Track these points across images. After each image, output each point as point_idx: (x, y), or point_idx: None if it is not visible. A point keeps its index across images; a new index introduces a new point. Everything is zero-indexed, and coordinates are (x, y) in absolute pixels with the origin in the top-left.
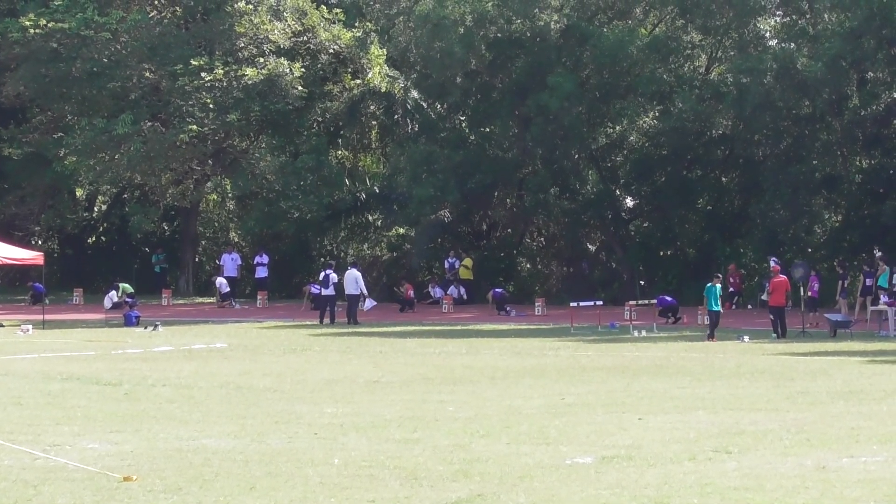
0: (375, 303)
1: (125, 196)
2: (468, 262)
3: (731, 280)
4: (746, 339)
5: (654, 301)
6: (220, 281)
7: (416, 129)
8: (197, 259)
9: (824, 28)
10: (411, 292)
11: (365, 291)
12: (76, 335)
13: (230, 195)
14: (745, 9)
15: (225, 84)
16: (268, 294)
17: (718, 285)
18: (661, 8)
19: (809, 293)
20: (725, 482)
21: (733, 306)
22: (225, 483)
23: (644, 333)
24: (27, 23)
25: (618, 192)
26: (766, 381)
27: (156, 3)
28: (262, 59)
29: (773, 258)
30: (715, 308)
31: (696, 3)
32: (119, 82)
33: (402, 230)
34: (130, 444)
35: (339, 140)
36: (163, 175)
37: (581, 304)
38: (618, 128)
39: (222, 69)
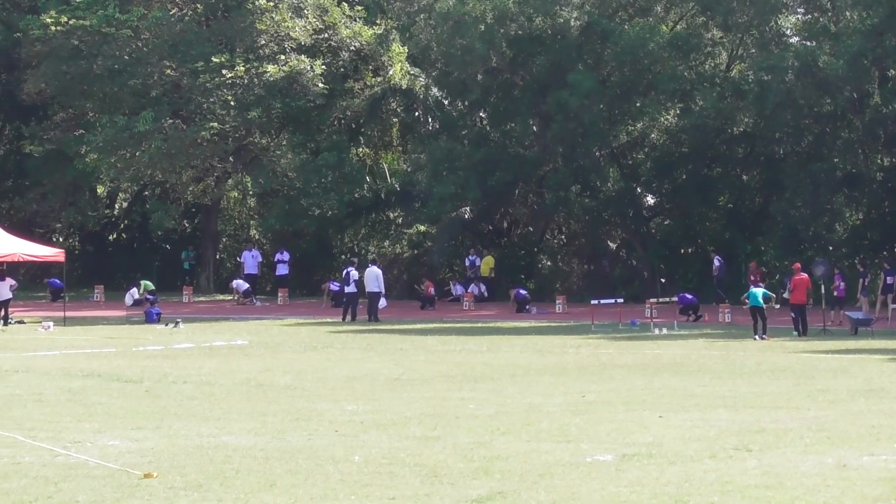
0: (386, 303)
1: (146, 193)
2: (489, 259)
3: (752, 278)
4: (765, 336)
5: (675, 299)
6: (237, 282)
7: (437, 126)
8: (218, 256)
9: (846, 25)
10: (432, 290)
11: (383, 289)
12: (97, 332)
13: (251, 192)
14: (766, 6)
15: (246, 81)
16: (288, 291)
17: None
18: (682, 5)
19: (835, 292)
20: (746, 480)
21: None
22: (245, 480)
23: (665, 331)
24: (48, 20)
25: (638, 189)
26: (787, 379)
27: (177, 0)
28: (283, 57)
29: (717, 256)
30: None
31: (717, 0)
32: (140, 79)
33: (422, 228)
34: (151, 441)
35: (360, 137)
36: (184, 172)
37: (602, 301)
38: (639, 125)
39: (243, 66)
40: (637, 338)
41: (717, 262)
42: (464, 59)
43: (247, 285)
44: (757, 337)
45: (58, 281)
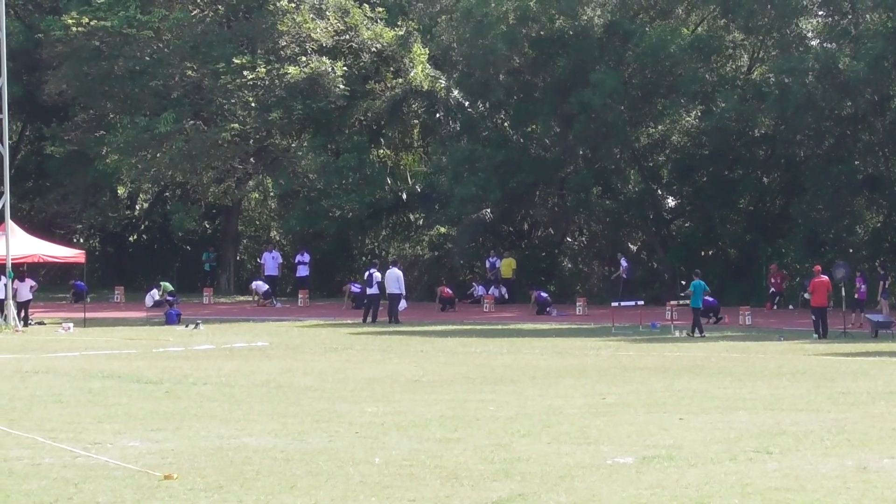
0: (406, 305)
1: (167, 194)
2: (510, 261)
3: (773, 280)
4: (781, 338)
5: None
6: (257, 284)
7: (458, 127)
8: (238, 258)
9: (866, 28)
10: (448, 290)
11: (404, 291)
12: (117, 333)
13: (272, 194)
14: (786, 9)
15: (267, 82)
16: (309, 293)
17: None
18: (703, 7)
19: (856, 295)
20: (766, 482)
21: (774, 306)
22: (266, 481)
23: (685, 333)
24: (70, 21)
25: (659, 191)
26: (807, 382)
27: (198, 1)
28: (304, 58)
29: (624, 258)
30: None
31: (738, 2)
32: (161, 80)
33: (443, 229)
34: (171, 443)
35: (381, 139)
36: (204, 173)
37: (622, 303)
38: (660, 127)
39: (264, 67)
40: (657, 340)
41: (623, 264)
42: (486, 59)
43: (267, 287)
44: (681, 332)
45: (83, 284)
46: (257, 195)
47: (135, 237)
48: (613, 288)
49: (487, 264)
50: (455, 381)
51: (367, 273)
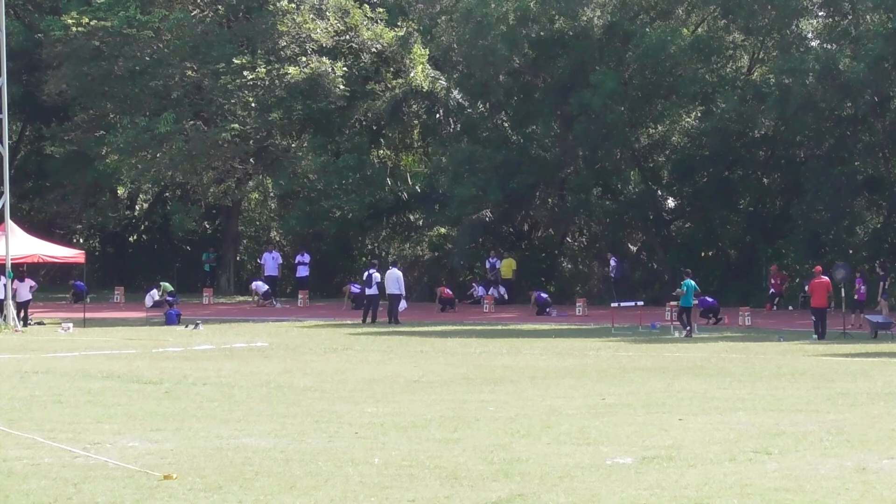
0: (406, 305)
1: (167, 195)
2: (510, 262)
3: (773, 281)
4: (781, 339)
5: (696, 302)
6: (256, 284)
7: (458, 128)
8: (238, 258)
9: (866, 29)
10: (448, 291)
11: (403, 291)
12: (117, 333)
13: (272, 194)
14: (787, 9)
15: (267, 83)
16: (309, 293)
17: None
18: (704, 8)
19: (856, 296)
20: (765, 483)
21: (774, 307)
22: (265, 482)
23: (684, 334)
24: (70, 21)
25: (659, 192)
26: (807, 383)
27: (198, 1)
28: (304, 58)
29: (613, 257)
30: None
31: (738, 3)
32: (161, 81)
33: (443, 230)
34: (171, 443)
35: (381, 139)
36: (204, 174)
37: (622, 304)
38: (660, 128)
39: (264, 68)
40: (657, 340)
41: (612, 262)
42: (486, 59)
43: (267, 287)
44: (681, 333)
45: (82, 284)
46: (257, 195)
47: (135, 237)
48: (607, 288)
49: (487, 265)
50: (455, 381)
51: (366, 273)
